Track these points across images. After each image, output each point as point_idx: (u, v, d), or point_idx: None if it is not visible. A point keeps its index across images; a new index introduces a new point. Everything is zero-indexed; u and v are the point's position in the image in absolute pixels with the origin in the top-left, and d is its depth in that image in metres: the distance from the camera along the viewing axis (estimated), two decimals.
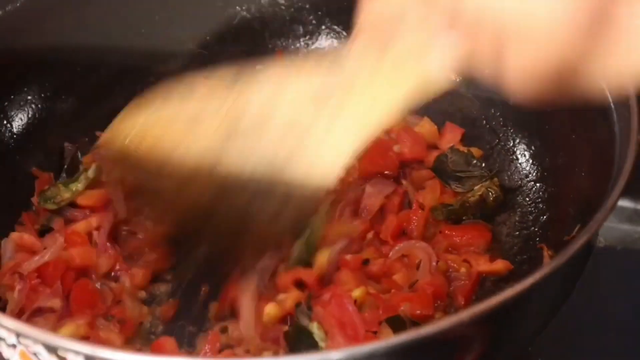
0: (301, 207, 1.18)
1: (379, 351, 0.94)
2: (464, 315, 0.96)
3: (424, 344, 0.96)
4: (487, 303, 0.97)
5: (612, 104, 1.24)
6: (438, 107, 1.58)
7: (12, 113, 1.50)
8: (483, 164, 1.49)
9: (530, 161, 1.47)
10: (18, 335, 0.96)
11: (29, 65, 1.51)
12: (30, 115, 1.52)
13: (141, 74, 1.58)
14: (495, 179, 1.46)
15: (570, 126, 1.38)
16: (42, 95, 1.53)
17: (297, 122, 1.13)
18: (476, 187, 1.45)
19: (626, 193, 1.08)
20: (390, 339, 0.99)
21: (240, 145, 1.16)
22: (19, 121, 1.51)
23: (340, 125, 1.11)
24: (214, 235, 1.22)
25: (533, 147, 1.47)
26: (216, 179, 1.18)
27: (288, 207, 1.17)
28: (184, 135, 1.18)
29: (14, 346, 0.97)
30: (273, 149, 1.15)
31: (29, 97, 1.52)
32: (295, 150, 1.14)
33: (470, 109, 1.57)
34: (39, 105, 1.53)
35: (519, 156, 1.49)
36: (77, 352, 0.92)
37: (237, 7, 1.66)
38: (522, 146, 1.49)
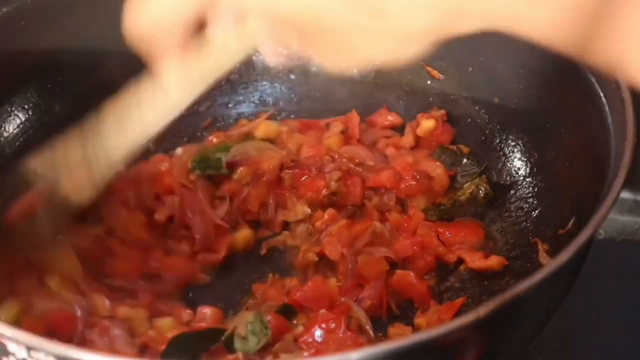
0: None
1: (376, 355, 0.94)
2: (469, 317, 0.97)
3: (425, 347, 0.96)
4: (492, 303, 0.98)
5: (603, 98, 1.25)
6: (418, 106, 1.58)
7: None
8: (470, 162, 1.49)
9: (518, 157, 1.48)
10: (29, 348, 0.94)
11: (13, 76, 1.49)
12: (15, 127, 1.51)
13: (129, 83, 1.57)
14: (484, 176, 1.47)
15: (559, 121, 1.39)
16: (26, 106, 1.52)
17: None
18: (466, 185, 1.46)
19: (625, 184, 1.09)
20: (389, 343, 0.99)
21: None
22: (4, 133, 1.49)
23: None
24: None
25: (520, 143, 1.48)
26: None
27: None
28: None
29: None
30: None
31: (12, 109, 1.50)
32: None
33: (454, 107, 1.57)
34: (23, 117, 1.51)
35: (507, 152, 1.49)
36: None
37: None
38: (509, 142, 1.49)
